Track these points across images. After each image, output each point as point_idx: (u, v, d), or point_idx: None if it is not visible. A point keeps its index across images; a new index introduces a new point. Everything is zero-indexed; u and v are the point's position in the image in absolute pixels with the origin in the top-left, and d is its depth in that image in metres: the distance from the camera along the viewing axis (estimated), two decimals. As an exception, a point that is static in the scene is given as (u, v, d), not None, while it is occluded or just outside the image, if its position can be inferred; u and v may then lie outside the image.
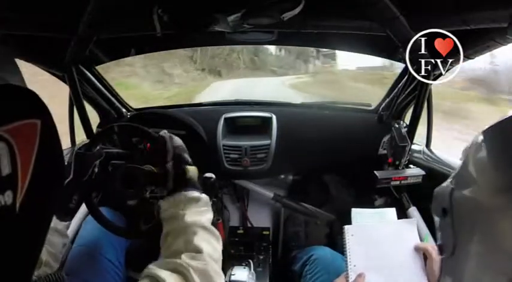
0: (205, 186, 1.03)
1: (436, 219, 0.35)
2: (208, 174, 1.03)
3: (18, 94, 0.27)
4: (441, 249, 0.34)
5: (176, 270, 0.49)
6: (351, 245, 0.69)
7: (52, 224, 0.62)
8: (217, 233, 0.59)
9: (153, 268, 0.49)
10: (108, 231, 0.74)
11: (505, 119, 0.27)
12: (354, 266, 0.67)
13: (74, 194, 0.70)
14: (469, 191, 0.29)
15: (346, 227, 0.71)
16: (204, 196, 0.62)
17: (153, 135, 0.68)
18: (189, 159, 0.68)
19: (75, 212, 0.74)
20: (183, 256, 0.51)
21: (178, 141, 0.69)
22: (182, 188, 0.61)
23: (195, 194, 0.61)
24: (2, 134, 0.23)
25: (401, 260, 0.67)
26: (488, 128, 0.28)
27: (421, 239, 0.72)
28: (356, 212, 0.75)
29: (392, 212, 0.75)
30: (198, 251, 0.53)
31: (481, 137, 0.29)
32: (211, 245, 0.56)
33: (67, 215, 0.71)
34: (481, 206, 0.27)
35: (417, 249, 0.67)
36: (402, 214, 0.80)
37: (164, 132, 0.68)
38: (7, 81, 0.28)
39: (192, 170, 0.65)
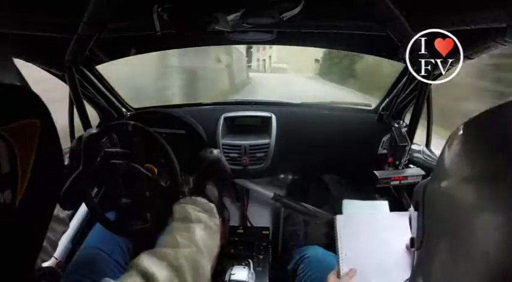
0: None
1: (411, 210, 0.36)
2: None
3: (18, 94, 0.27)
4: (412, 242, 0.35)
5: (170, 264, 0.49)
6: (341, 235, 0.69)
7: (55, 212, 0.62)
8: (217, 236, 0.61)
9: (145, 258, 0.49)
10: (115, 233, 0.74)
11: (482, 113, 0.27)
12: (345, 254, 0.67)
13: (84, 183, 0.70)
14: (441, 184, 0.29)
15: (337, 216, 0.71)
16: (212, 205, 0.65)
17: (165, 148, 0.68)
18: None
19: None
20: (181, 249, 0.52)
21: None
22: (201, 195, 0.65)
23: (206, 201, 0.65)
24: (2, 134, 0.24)
25: (392, 252, 0.67)
26: (466, 122, 0.29)
27: None
28: (347, 203, 0.74)
29: (384, 204, 0.74)
30: (197, 244, 0.54)
31: (458, 131, 0.29)
32: (212, 241, 0.57)
33: (74, 206, 0.71)
34: (451, 199, 0.27)
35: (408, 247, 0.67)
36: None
37: (218, 152, 0.73)
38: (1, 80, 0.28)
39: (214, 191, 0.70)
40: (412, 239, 0.35)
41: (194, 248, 0.53)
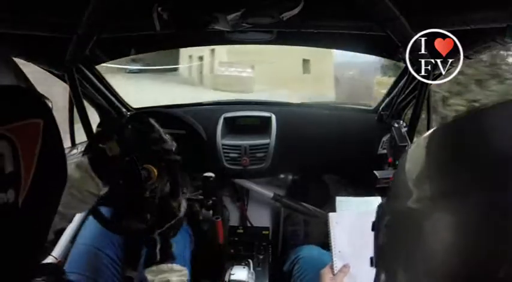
0: (204, 186, 1.04)
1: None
2: (207, 174, 1.04)
3: (21, 94, 0.27)
4: (371, 262, 0.35)
5: None
6: (335, 232, 0.69)
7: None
8: None
9: None
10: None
11: (440, 126, 0.27)
12: (339, 251, 0.68)
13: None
14: (399, 201, 0.27)
15: (331, 214, 0.72)
16: (184, 268, 0.72)
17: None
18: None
19: None
20: None
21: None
22: (169, 261, 0.71)
23: (179, 266, 0.72)
24: (5, 133, 0.24)
25: None
26: (425, 135, 0.27)
27: None
28: (340, 200, 0.75)
29: (377, 200, 0.74)
30: None
31: (416, 144, 0.28)
32: None
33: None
34: (411, 215, 0.25)
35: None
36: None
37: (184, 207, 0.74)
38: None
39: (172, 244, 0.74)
40: (371, 259, 0.35)
41: None
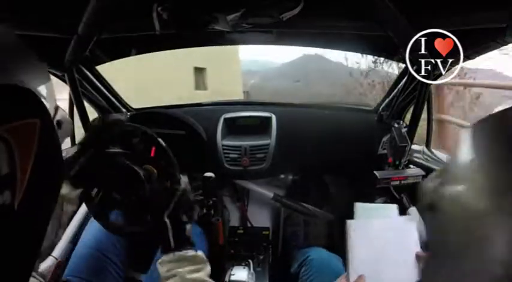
0: (204, 186, 1.04)
1: (414, 211, 0.34)
2: (207, 174, 1.04)
3: (17, 94, 0.26)
4: (426, 246, 0.34)
5: None
6: (352, 241, 0.67)
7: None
8: None
9: None
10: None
11: (493, 114, 0.25)
12: (355, 261, 0.66)
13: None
14: (454, 189, 0.27)
15: (349, 221, 0.69)
16: (200, 253, 0.64)
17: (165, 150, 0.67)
18: (193, 216, 0.70)
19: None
20: None
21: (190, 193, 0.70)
22: (181, 247, 0.62)
23: (193, 252, 0.63)
24: (1, 133, 0.23)
25: (402, 259, 0.66)
26: (477, 122, 0.26)
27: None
28: (359, 207, 0.73)
29: (394, 208, 0.73)
30: None
31: (470, 132, 0.27)
32: None
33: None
34: (466, 206, 0.25)
35: (417, 257, 0.65)
36: (402, 214, 0.80)
37: (185, 183, 0.69)
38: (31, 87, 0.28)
39: (189, 228, 0.67)
40: (426, 243, 0.34)
41: None
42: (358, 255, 0.66)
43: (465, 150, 0.27)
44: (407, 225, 0.70)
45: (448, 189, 0.29)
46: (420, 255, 0.64)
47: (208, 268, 0.63)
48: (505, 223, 0.21)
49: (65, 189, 0.65)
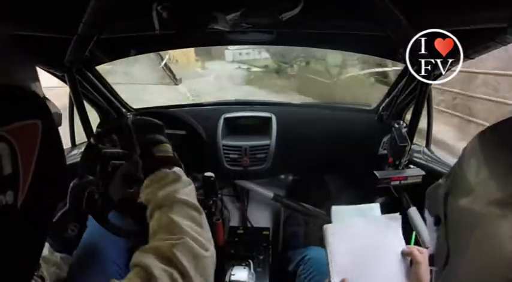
0: (205, 186, 1.04)
1: (429, 220, 0.33)
2: (208, 174, 1.04)
3: (19, 95, 0.27)
4: (432, 260, 0.33)
5: (167, 260, 0.46)
6: (331, 245, 0.66)
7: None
8: (199, 207, 0.57)
9: (144, 257, 0.47)
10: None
11: (501, 122, 0.25)
12: (336, 265, 0.65)
13: (70, 222, 0.70)
14: (464, 200, 0.26)
15: (325, 226, 0.68)
16: (179, 170, 0.60)
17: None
18: (160, 138, 0.64)
19: (74, 243, 0.74)
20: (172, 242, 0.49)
21: (142, 123, 0.65)
22: (157, 168, 0.58)
23: (168, 170, 0.59)
24: (3, 135, 0.23)
25: (384, 259, 0.65)
26: (486, 129, 0.26)
27: (408, 242, 0.69)
28: (336, 210, 0.72)
29: (376, 207, 0.72)
30: (180, 231, 0.51)
31: (478, 139, 0.27)
32: (192, 220, 0.54)
33: (65, 245, 0.70)
34: (478, 217, 0.24)
35: (403, 254, 0.64)
36: (402, 214, 0.80)
37: (129, 118, 0.64)
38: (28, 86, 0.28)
39: (164, 147, 0.62)
40: (432, 257, 0.33)
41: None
42: (339, 259, 0.65)
43: (473, 159, 0.27)
44: (390, 223, 0.68)
45: (456, 199, 0.29)
46: (406, 251, 0.63)
47: (191, 187, 0.61)
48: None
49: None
